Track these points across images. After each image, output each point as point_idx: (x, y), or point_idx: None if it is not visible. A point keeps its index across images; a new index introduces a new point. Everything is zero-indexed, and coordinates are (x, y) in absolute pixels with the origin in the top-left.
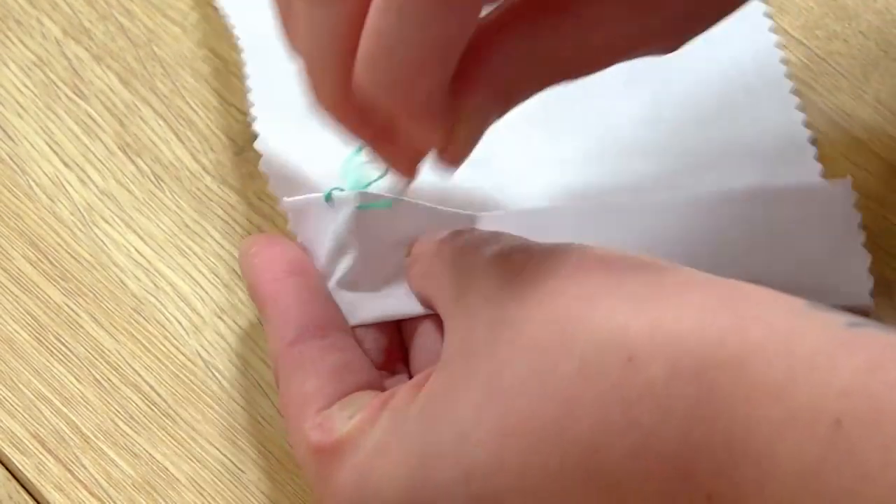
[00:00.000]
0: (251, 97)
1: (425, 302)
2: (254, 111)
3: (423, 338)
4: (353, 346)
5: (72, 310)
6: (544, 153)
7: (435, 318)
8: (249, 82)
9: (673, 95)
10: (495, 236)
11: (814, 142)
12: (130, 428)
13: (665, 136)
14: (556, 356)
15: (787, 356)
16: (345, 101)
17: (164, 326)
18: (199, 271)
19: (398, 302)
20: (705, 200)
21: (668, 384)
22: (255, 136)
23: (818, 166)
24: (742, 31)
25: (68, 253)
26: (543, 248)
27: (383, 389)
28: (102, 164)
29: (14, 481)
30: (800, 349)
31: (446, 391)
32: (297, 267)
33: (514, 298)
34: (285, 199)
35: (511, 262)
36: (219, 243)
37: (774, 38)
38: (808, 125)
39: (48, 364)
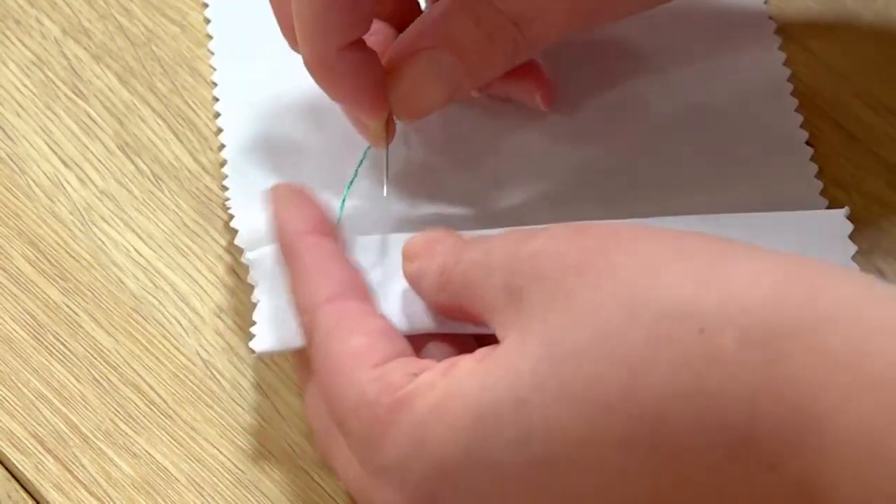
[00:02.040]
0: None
1: (457, 312)
2: (227, 170)
3: (430, 353)
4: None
5: (71, 309)
6: (540, 171)
7: (443, 336)
8: (226, 154)
9: (672, 101)
10: (525, 229)
11: (812, 148)
12: (130, 427)
13: (662, 145)
14: (623, 324)
15: (857, 326)
16: (325, 67)
17: (163, 326)
18: (199, 271)
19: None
20: (699, 226)
21: (738, 353)
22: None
23: (815, 173)
24: (745, 36)
25: (67, 252)
26: (591, 227)
27: None
28: (101, 163)
29: (13, 481)
30: (870, 319)
31: (503, 357)
32: (331, 230)
33: (567, 274)
34: (248, 254)
35: (559, 243)
36: (218, 243)
37: (777, 40)
38: (807, 126)
39: (47, 363)
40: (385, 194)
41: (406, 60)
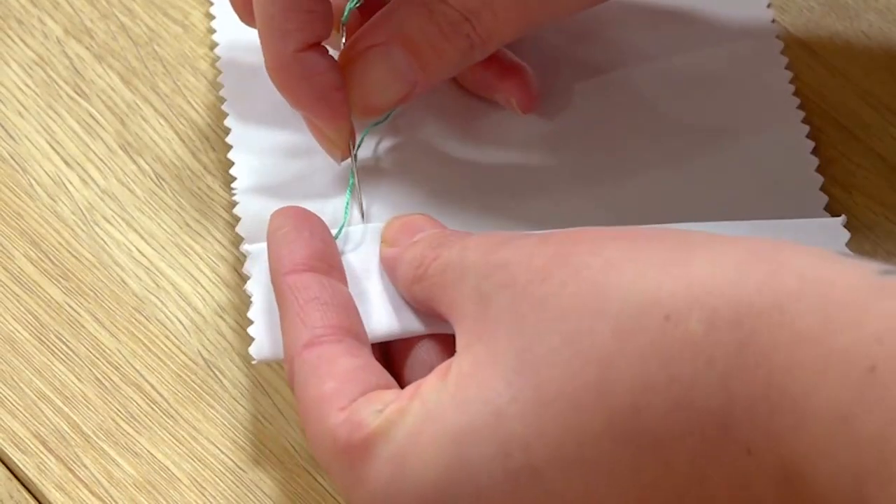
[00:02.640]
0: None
1: (427, 308)
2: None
3: (422, 351)
4: (369, 353)
5: (73, 309)
6: (540, 169)
7: (432, 336)
8: (231, 139)
9: (673, 100)
10: (501, 234)
11: (814, 150)
12: (132, 427)
13: (661, 142)
14: (590, 322)
15: (823, 303)
16: (283, 69)
17: (165, 326)
18: (201, 270)
19: (385, 323)
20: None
21: (707, 336)
22: (233, 178)
23: (815, 167)
24: (746, 36)
25: (69, 252)
26: (556, 233)
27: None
28: (103, 163)
29: (15, 481)
30: (835, 296)
31: (474, 372)
32: (319, 264)
33: (533, 281)
34: (246, 245)
35: (527, 250)
36: (220, 242)
37: (779, 43)
38: (809, 126)
39: (49, 363)
40: (362, 212)
41: (360, 56)
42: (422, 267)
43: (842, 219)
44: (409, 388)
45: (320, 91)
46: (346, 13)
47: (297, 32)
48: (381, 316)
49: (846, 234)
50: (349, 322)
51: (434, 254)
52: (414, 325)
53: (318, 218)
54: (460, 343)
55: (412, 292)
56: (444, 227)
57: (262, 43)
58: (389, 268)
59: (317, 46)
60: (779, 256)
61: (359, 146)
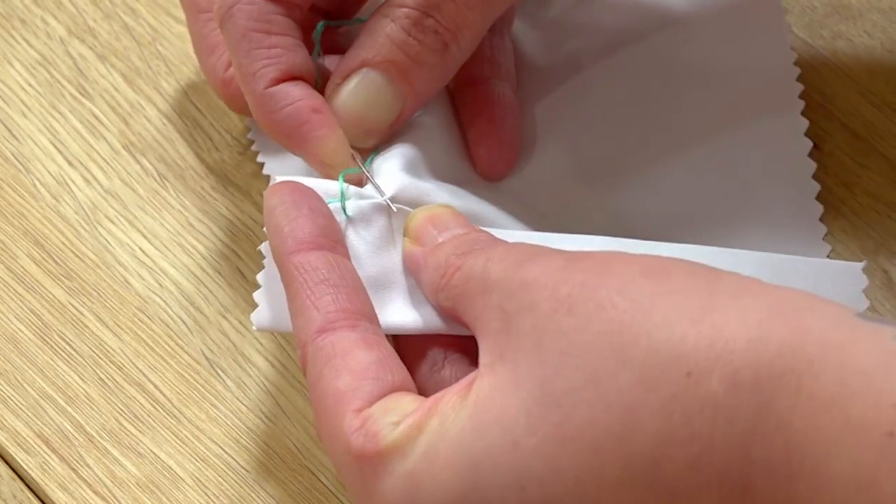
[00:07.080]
0: None
1: (453, 316)
2: None
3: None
4: (383, 339)
5: (76, 309)
6: (543, 168)
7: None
8: None
9: (675, 98)
10: (527, 247)
11: (816, 151)
12: (135, 427)
13: (662, 138)
14: (614, 366)
15: (840, 369)
16: (256, 108)
17: (168, 325)
18: (204, 270)
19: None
20: (712, 261)
21: (727, 396)
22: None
23: (808, 151)
24: (751, 33)
25: (73, 252)
26: (582, 259)
27: (416, 390)
28: (107, 163)
29: (18, 480)
30: (852, 362)
31: (493, 397)
32: (325, 241)
33: (558, 310)
34: (272, 173)
35: (553, 274)
36: (223, 242)
37: (786, 46)
38: (812, 125)
39: (52, 363)
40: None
41: (340, 85)
42: (446, 276)
43: (862, 264)
44: (427, 402)
45: (297, 119)
46: (317, 29)
47: (263, 70)
48: (401, 308)
49: (864, 281)
50: (360, 304)
51: (458, 262)
52: (434, 323)
53: (314, 191)
54: (483, 360)
55: (437, 300)
56: (469, 225)
57: (244, 92)
58: (413, 268)
59: (288, 79)
60: (800, 316)
61: (371, 160)
